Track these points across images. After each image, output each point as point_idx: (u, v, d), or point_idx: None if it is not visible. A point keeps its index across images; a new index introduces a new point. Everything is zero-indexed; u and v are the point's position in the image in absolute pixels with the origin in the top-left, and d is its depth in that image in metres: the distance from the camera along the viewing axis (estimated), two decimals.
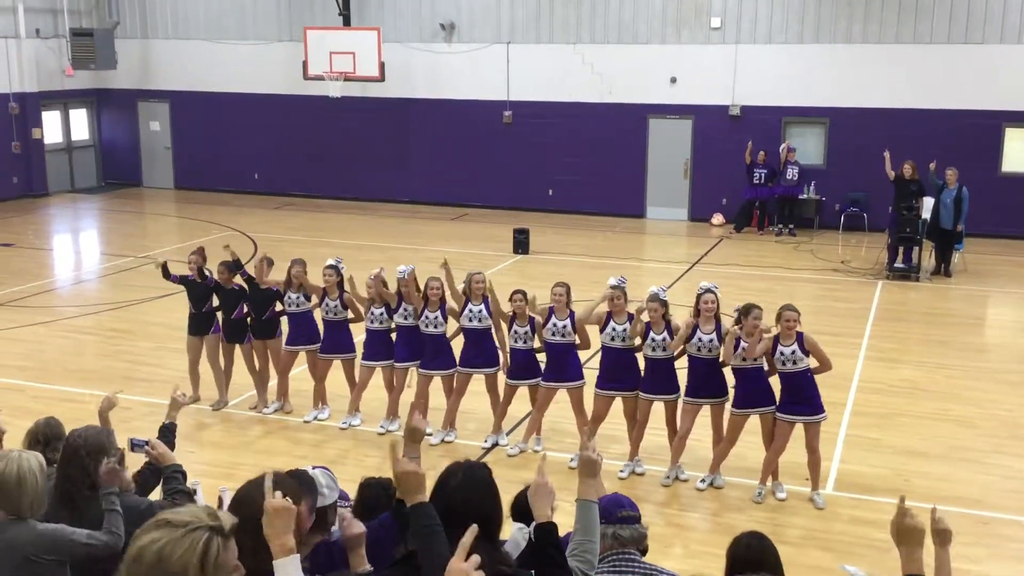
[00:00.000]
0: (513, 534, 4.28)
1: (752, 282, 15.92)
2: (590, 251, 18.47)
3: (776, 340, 8.42)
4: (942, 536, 3.73)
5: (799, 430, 8.54)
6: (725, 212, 21.17)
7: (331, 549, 4.13)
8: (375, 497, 4.64)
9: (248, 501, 3.25)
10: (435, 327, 9.66)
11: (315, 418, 10.39)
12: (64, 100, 25.04)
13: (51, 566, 4.54)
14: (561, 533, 3.65)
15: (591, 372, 9.50)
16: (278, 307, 10.45)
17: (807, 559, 7.62)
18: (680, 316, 9.63)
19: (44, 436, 5.40)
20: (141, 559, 2.27)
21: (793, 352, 8.38)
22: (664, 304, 8.84)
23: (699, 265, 17.55)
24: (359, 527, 3.99)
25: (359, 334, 10.24)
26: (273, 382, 10.70)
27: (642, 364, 9.06)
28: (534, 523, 3.54)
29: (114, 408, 5.69)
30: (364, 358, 10.11)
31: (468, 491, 3.43)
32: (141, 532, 2.35)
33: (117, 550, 4.54)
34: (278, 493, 2.95)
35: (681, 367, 9.06)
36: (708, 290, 8.81)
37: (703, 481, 8.91)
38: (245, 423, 10.43)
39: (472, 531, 2.53)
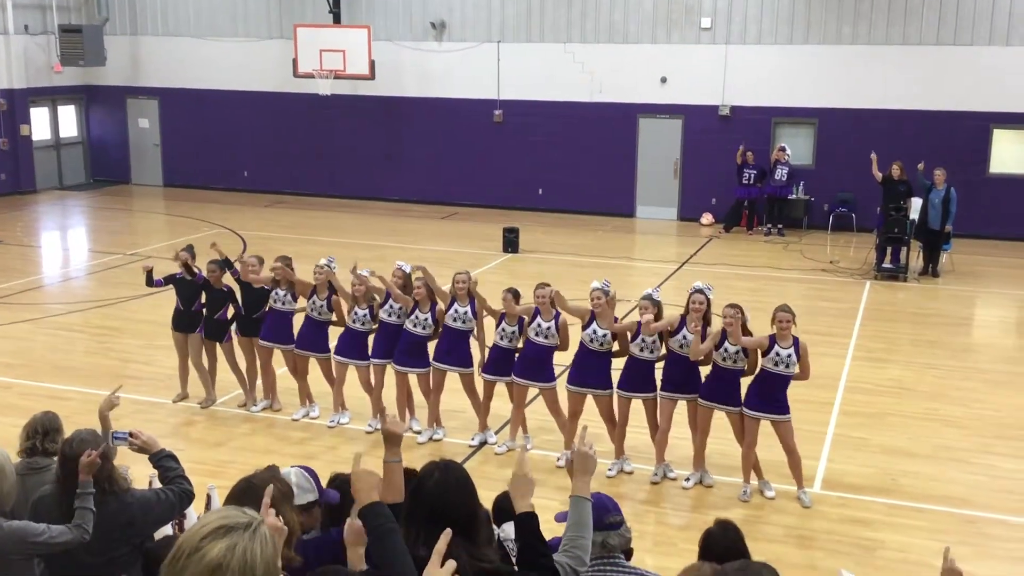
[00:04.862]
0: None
1: (741, 282, 15.95)
2: (580, 250, 18.49)
3: (772, 340, 8.44)
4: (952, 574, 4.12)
5: (768, 427, 8.57)
6: (714, 212, 21.20)
7: (306, 547, 4.12)
8: (340, 492, 4.60)
9: (254, 492, 3.37)
10: (423, 328, 9.65)
11: (305, 416, 10.38)
12: (52, 97, 24.93)
13: (19, 562, 4.54)
14: (545, 531, 3.66)
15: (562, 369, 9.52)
16: (268, 305, 10.42)
17: (794, 558, 7.64)
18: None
19: (43, 427, 5.40)
20: (225, 567, 2.24)
21: (790, 355, 8.40)
22: (657, 304, 8.85)
23: (688, 265, 17.58)
24: (358, 524, 3.98)
25: (334, 338, 10.20)
26: (261, 379, 10.67)
27: (621, 363, 9.09)
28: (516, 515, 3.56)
29: (115, 408, 5.64)
30: (337, 353, 10.07)
31: (445, 491, 3.43)
32: (204, 544, 2.26)
33: (82, 543, 4.56)
34: (362, 461, 3.48)
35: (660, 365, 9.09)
36: (699, 290, 8.83)
37: (688, 480, 8.94)
38: (232, 421, 10.41)
39: (446, 536, 2.52)
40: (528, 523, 3.52)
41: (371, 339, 9.98)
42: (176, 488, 4.86)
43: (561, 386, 9.33)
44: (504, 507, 4.40)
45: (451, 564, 2.42)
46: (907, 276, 16.70)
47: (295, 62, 22.12)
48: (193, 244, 11.05)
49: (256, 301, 10.37)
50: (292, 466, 4.54)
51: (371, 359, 9.93)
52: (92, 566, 4.67)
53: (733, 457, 9.01)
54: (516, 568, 3.61)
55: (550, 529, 3.82)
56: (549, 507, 5.70)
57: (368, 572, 3.68)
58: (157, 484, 5.07)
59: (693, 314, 8.73)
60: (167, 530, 5.77)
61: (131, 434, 4.88)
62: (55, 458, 5.13)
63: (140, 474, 5.91)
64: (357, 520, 3.91)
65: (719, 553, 4.39)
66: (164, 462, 4.90)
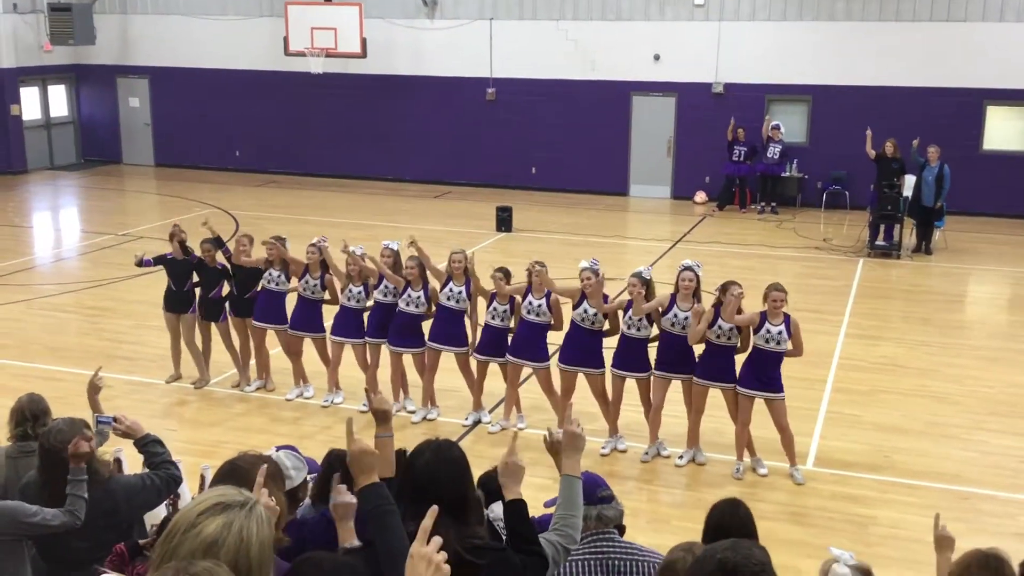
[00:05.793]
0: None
1: (735, 260, 15.96)
2: (573, 229, 18.46)
3: (763, 317, 8.45)
4: (943, 542, 4.09)
5: (761, 405, 8.59)
6: (708, 190, 21.17)
7: (301, 528, 4.12)
8: (332, 467, 4.61)
9: (239, 474, 3.33)
10: (416, 307, 9.63)
11: (299, 396, 10.36)
12: (42, 76, 24.76)
13: (8, 542, 4.53)
14: (536, 509, 3.66)
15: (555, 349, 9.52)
16: (260, 285, 10.38)
17: (787, 534, 7.67)
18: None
19: (31, 412, 5.39)
20: (221, 544, 2.23)
21: (780, 332, 8.40)
22: (646, 283, 8.83)
23: (682, 243, 17.57)
24: (348, 497, 3.99)
25: (329, 317, 10.18)
26: (255, 359, 10.66)
27: (615, 342, 9.09)
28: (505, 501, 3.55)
29: (101, 391, 5.60)
30: (333, 332, 10.06)
31: (437, 469, 3.41)
32: (201, 520, 2.25)
33: (73, 528, 4.55)
34: (358, 439, 3.39)
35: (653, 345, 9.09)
36: (688, 268, 8.82)
37: (682, 457, 8.96)
38: (226, 401, 10.40)
39: (431, 513, 2.52)
40: (516, 511, 3.52)
41: (366, 317, 9.97)
42: (163, 473, 4.84)
43: (554, 365, 9.33)
44: (489, 487, 4.39)
45: (436, 540, 2.41)
46: (900, 253, 16.71)
47: (286, 40, 21.98)
48: (179, 223, 11.00)
49: (248, 281, 10.34)
50: (277, 448, 4.54)
51: (367, 338, 9.92)
52: (81, 551, 4.66)
53: (727, 435, 9.03)
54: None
55: (539, 508, 3.82)
56: (544, 486, 5.71)
57: (352, 549, 3.69)
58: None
59: (683, 292, 8.73)
60: (160, 511, 5.79)
61: (115, 419, 4.85)
62: None
63: (134, 456, 5.89)
64: (341, 497, 3.91)
65: (725, 528, 4.06)
66: (150, 447, 4.87)
